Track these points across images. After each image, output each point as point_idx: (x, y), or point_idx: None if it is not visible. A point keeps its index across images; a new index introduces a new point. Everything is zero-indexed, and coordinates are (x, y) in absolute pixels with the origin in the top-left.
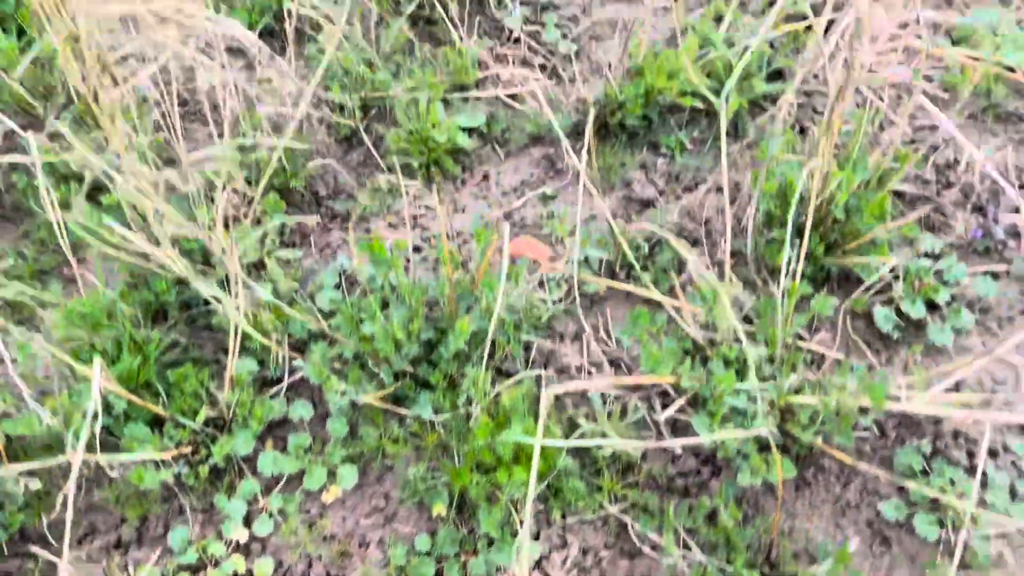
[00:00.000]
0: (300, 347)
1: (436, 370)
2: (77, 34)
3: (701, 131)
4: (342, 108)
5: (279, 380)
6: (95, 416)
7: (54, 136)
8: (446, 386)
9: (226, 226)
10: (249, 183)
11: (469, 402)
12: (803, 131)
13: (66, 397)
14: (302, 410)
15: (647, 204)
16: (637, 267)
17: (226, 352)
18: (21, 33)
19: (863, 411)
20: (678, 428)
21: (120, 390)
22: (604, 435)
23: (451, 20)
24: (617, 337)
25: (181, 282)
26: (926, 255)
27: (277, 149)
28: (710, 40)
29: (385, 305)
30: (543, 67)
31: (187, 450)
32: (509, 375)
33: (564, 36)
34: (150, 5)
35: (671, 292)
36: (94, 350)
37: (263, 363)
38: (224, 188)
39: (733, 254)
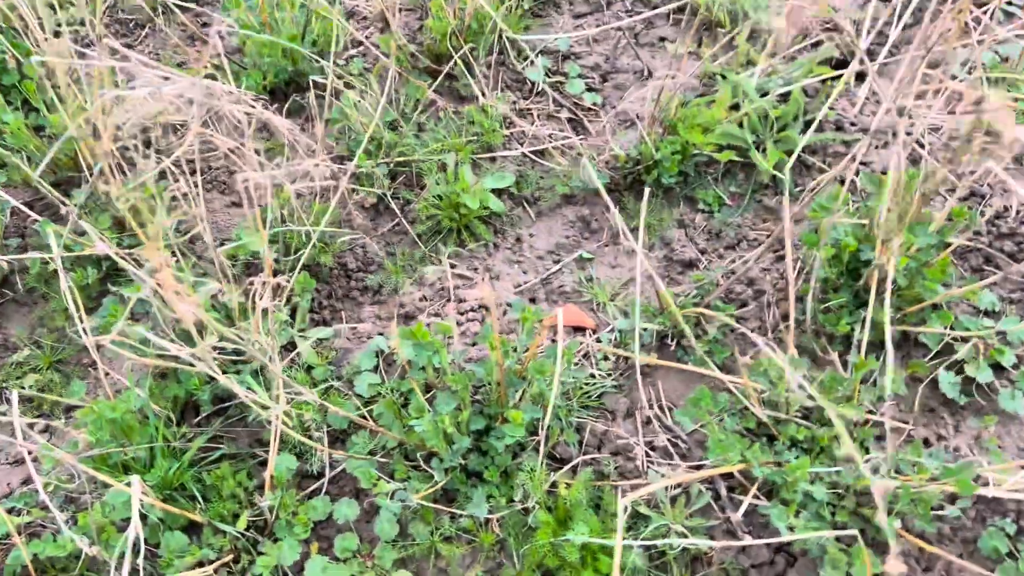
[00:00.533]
0: (339, 437)
1: (490, 462)
2: (94, 118)
3: (738, 184)
4: (368, 176)
5: (319, 474)
6: (136, 551)
7: (68, 218)
8: (500, 479)
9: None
10: (277, 261)
11: (525, 496)
12: (842, 181)
13: (99, 512)
14: (347, 510)
15: (689, 265)
16: (693, 341)
17: (260, 444)
18: (24, 103)
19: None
20: (745, 512)
21: (156, 501)
22: (672, 531)
23: (472, 74)
24: (669, 409)
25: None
26: (985, 313)
27: (313, 237)
28: (742, 89)
29: (427, 389)
30: (569, 120)
31: (228, 558)
32: (562, 460)
33: (589, 88)
34: (175, 88)
35: (726, 366)
36: (125, 455)
37: (301, 456)
38: (263, 295)
39: (785, 318)
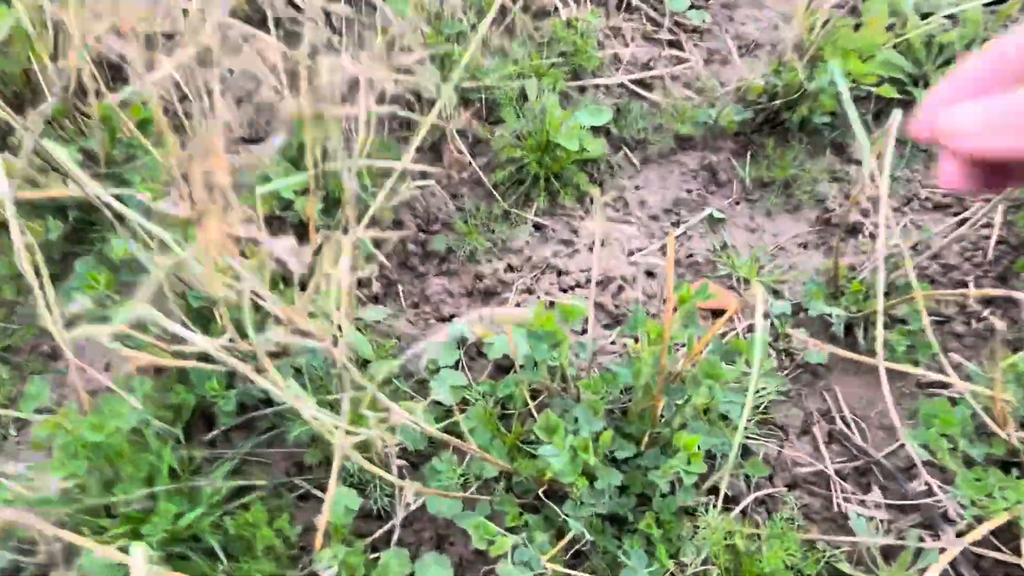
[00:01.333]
0: (412, 461)
1: (635, 504)
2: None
3: (897, 127)
4: (419, 98)
5: (383, 512)
6: None
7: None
8: (660, 531)
9: (301, 287)
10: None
11: (696, 553)
12: None
13: None
14: (437, 569)
15: (852, 231)
16: (929, 329)
17: (300, 471)
18: None
19: None
20: (981, 568)
21: (161, 569)
22: None
23: None
24: (854, 422)
25: (232, 376)
26: None
27: (396, 193)
28: (897, 9)
29: (535, 396)
30: (671, 43)
31: None
32: (728, 499)
33: (692, 5)
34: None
35: (929, 364)
36: (111, 495)
37: (363, 489)
38: (339, 260)
39: (989, 302)
